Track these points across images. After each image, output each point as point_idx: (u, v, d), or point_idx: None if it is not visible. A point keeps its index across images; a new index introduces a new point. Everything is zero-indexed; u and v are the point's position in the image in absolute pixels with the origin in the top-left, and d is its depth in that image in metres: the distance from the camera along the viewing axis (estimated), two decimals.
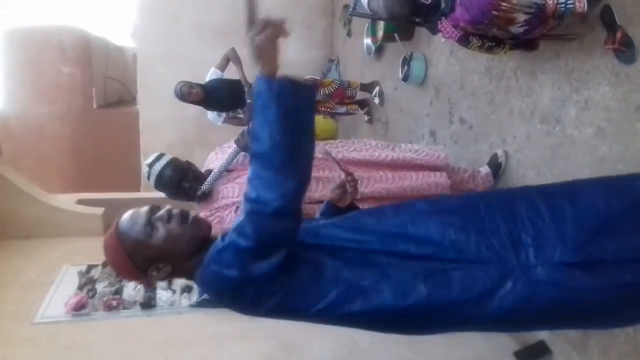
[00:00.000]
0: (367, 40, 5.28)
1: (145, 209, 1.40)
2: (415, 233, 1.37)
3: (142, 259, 1.38)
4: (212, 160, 2.99)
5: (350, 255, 1.35)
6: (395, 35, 4.36)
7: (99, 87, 7.58)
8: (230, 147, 2.88)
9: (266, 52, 1.19)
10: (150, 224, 1.37)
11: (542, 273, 1.28)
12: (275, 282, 1.27)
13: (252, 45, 1.19)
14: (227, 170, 2.86)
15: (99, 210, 4.74)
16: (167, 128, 6.58)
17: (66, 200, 5.01)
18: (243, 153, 2.83)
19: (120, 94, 8.68)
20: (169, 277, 1.45)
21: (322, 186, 2.74)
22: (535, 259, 1.30)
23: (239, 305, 1.36)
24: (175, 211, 1.41)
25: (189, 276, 1.41)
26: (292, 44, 6.92)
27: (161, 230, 1.37)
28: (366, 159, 2.90)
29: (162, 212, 1.39)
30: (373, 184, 2.77)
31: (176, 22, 6.61)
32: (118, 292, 3.79)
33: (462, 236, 1.35)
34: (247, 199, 1.24)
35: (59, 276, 4.04)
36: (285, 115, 1.19)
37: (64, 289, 3.85)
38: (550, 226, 1.33)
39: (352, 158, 2.87)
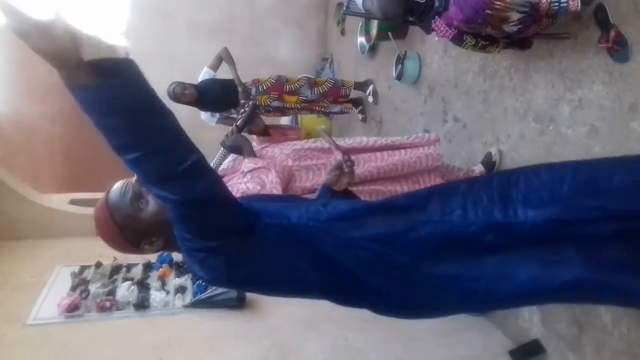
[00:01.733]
0: (361, 39, 5.28)
1: (134, 179, 1.36)
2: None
3: (133, 233, 1.35)
4: None
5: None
6: (389, 34, 4.35)
7: None
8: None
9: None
10: (140, 196, 1.35)
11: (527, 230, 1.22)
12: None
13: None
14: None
15: (92, 211, 4.71)
16: None
17: (59, 201, 4.99)
18: (233, 157, 2.79)
19: None
20: (162, 249, 1.43)
21: (312, 175, 2.72)
22: (524, 216, 1.23)
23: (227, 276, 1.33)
24: None
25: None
26: (285, 43, 6.91)
27: (151, 204, 1.35)
28: (354, 146, 2.89)
29: None
30: (363, 164, 2.75)
31: (169, 21, 6.58)
32: (111, 293, 3.78)
33: (450, 199, 1.31)
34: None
35: (52, 277, 4.03)
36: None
37: (56, 290, 3.84)
38: (546, 186, 1.24)
39: (341, 145, 2.86)
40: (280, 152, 2.79)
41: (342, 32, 6.20)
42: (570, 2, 2.21)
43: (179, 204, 1.17)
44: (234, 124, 2.77)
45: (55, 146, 6.75)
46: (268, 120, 5.39)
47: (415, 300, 1.34)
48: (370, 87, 5.23)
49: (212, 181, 1.22)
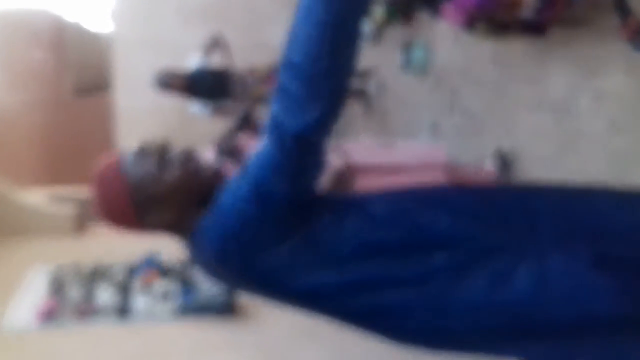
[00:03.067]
0: (364, 24, 5.27)
1: (156, 145, 1.28)
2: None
3: (145, 198, 1.27)
4: None
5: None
6: (395, 17, 4.35)
7: (72, 73, 7.53)
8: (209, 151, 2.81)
9: None
10: (164, 160, 1.27)
11: (556, 261, 1.25)
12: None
13: None
14: None
15: (71, 208, 4.71)
16: (146, 118, 6.52)
17: (37, 196, 4.99)
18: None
19: (96, 80, 8.62)
20: (165, 228, 1.33)
21: None
22: (550, 246, 1.24)
23: (245, 259, 1.25)
24: (191, 154, 1.30)
25: (187, 234, 1.30)
26: (282, 28, 6.85)
27: (176, 169, 1.28)
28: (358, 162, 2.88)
29: (178, 152, 1.28)
30: (367, 182, 2.75)
31: (158, 4, 6.56)
32: (90, 297, 3.78)
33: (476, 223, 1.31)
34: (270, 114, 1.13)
35: (28, 280, 4.02)
36: (334, 19, 1.07)
37: (32, 293, 3.83)
38: (567, 219, 1.26)
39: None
40: None
41: None
42: None
43: (312, 129, 1.12)
44: (230, 129, 2.73)
45: (34, 136, 6.77)
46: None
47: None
48: (374, 77, 5.22)
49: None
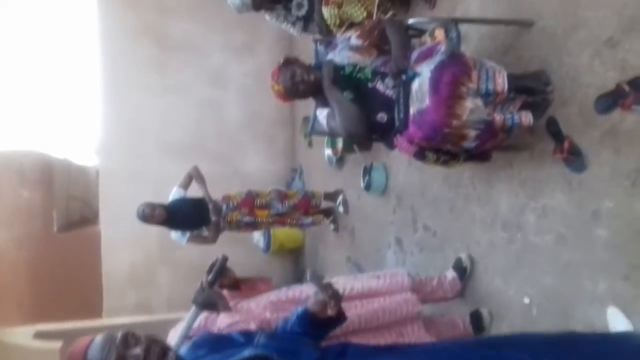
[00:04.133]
0: (328, 152, 5.40)
1: (118, 339, 1.26)
2: None
3: None
4: (173, 337, 2.56)
5: None
6: (355, 147, 4.47)
7: (60, 208, 7.46)
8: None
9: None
10: (125, 356, 1.24)
11: None
12: None
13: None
14: (189, 337, 2.45)
15: (57, 345, 4.46)
16: (129, 247, 6.43)
17: (22, 334, 4.72)
18: (204, 315, 2.59)
19: (83, 212, 8.53)
20: None
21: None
22: None
23: None
24: (155, 348, 1.28)
25: None
26: (254, 157, 7.04)
27: None
28: None
29: (138, 349, 1.25)
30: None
31: (139, 139, 6.66)
32: None
33: None
34: None
35: None
36: None
37: None
38: None
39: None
40: (257, 305, 2.70)
41: (310, 144, 6.35)
42: (523, 118, 2.32)
43: None
44: (205, 279, 2.62)
45: (21, 273, 6.57)
46: (239, 237, 5.38)
47: None
48: (340, 197, 5.28)
49: None
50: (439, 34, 2.58)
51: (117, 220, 6.27)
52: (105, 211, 6.63)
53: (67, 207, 7.79)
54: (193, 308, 2.51)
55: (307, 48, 4.75)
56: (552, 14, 2.50)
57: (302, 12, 4.09)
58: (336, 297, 1.68)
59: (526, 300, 2.67)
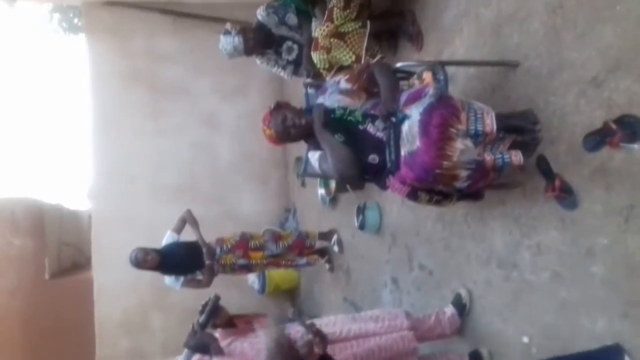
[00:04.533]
0: (321, 191, 5.41)
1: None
2: None
3: None
4: None
5: None
6: (347, 186, 4.48)
7: (52, 255, 7.41)
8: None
9: None
10: None
11: None
12: None
13: None
14: None
15: None
16: (122, 293, 6.35)
17: None
18: (197, 358, 2.59)
19: (75, 258, 8.47)
20: None
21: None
22: None
23: None
24: None
25: None
26: (248, 197, 7.03)
27: None
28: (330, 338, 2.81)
29: None
30: (339, 352, 2.65)
31: (132, 183, 6.66)
32: None
33: None
34: None
35: None
36: None
37: None
38: None
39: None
40: (251, 347, 2.66)
41: (303, 184, 6.36)
42: (513, 157, 2.33)
43: None
44: (196, 321, 2.61)
45: (13, 322, 6.47)
46: (234, 279, 5.33)
47: None
48: (335, 237, 5.26)
49: None
50: (427, 76, 2.61)
51: (109, 265, 6.22)
52: (98, 257, 6.58)
53: (59, 253, 7.73)
54: (185, 351, 2.51)
55: (297, 89, 4.81)
56: (536, 55, 2.55)
57: (293, 56, 4.17)
58: (320, 334, 1.67)
59: (525, 339, 2.64)
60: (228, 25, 3.98)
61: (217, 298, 2.64)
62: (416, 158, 2.33)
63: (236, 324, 2.92)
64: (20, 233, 6.93)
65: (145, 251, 4.40)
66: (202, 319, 2.56)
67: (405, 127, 2.41)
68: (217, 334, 2.76)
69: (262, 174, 7.14)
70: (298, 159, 6.24)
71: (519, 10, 2.70)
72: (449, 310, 3.20)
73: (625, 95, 2.09)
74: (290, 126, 2.68)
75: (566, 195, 2.36)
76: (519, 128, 2.53)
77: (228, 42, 3.92)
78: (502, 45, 2.84)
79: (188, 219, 4.70)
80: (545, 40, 2.50)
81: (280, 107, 2.73)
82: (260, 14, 4.07)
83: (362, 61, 3.59)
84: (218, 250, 4.71)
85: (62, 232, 8.00)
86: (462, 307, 3.16)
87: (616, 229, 2.14)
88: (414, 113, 2.36)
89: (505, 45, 2.81)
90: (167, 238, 4.65)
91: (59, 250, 7.79)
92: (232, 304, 3.06)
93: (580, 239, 2.31)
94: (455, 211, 3.22)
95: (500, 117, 2.41)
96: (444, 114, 2.27)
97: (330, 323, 2.93)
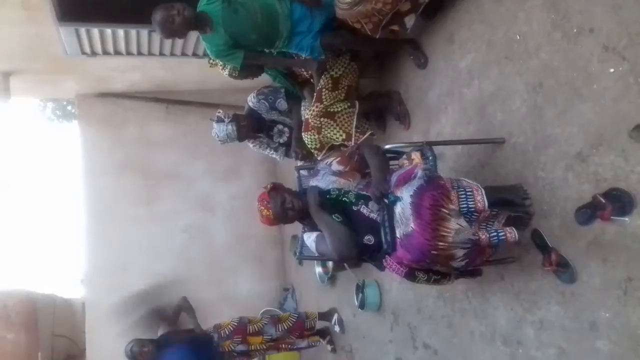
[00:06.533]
0: (319, 270, 5.37)
1: None
2: None
3: None
4: None
5: None
6: (345, 264, 4.46)
7: (45, 348, 7.22)
8: None
9: None
10: None
11: None
12: None
13: None
14: None
15: None
16: None
17: None
18: None
19: (69, 350, 8.26)
20: None
21: None
22: None
23: None
24: None
25: None
26: (245, 278, 6.97)
27: None
28: None
29: None
30: None
31: (126, 269, 6.59)
32: None
33: None
34: None
35: None
36: None
37: None
38: None
39: None
40: None
41: (300, 263, 6.32)
42: (508, 235, 2.35)
43: None
44: None
45: (7, 355, 6.27)
46: None
47: None
48: (335, 316, 5.18)
49: None
50: (416, 156, 2.67)
51: (104, 357, 6.04)
52: (92, 348, 6.41)
53: (52, 346, 7.54)
54: None
55: (290, 170, 4.88)
56: (521, 132, 2.64)
57: (284, 138, 4.28)
58: None
59: None
60: (221, 113, 4.10)
61: None
62: (412, 240, 2.35)
63: None
64: (14, 327, 6.79)
65: (142, 343, 4.31)
66: None
67: (397, 209, 2.44)
68: None
69: (258, 254, 7.11)
70: (294, 237, 6.24)
71: (499, 89, 2.81)
72: None
73: (610, 170, 2.14)
74: (289, 208, 2.73)
75: (563, 269, 2.37)
76: (510, 201, 2.57)
77: (221, 129, 4.02)
78: (487, 123, 2.93)
79: (184, 307, 4.64)
80: (528, 118, 2.60)
81: (277, 189, 2.78)
82: (251, 100, 4.22)
83: (353, 139, 3.68)
84: (216, 337, 4.61)
85: (56, 323, 7.84)
86: None
87: (617, 301, 2.14)
88: (405, 195, 2.40)
89: (490, 123, 2.90)
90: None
91: (52, 343, 7.61)
92: None
93: (583, 313, 2.30)
94: (456, 287, 3.21)
95: (490, 192, 2.45)
96: (434, 196, 2.31)
97: None
